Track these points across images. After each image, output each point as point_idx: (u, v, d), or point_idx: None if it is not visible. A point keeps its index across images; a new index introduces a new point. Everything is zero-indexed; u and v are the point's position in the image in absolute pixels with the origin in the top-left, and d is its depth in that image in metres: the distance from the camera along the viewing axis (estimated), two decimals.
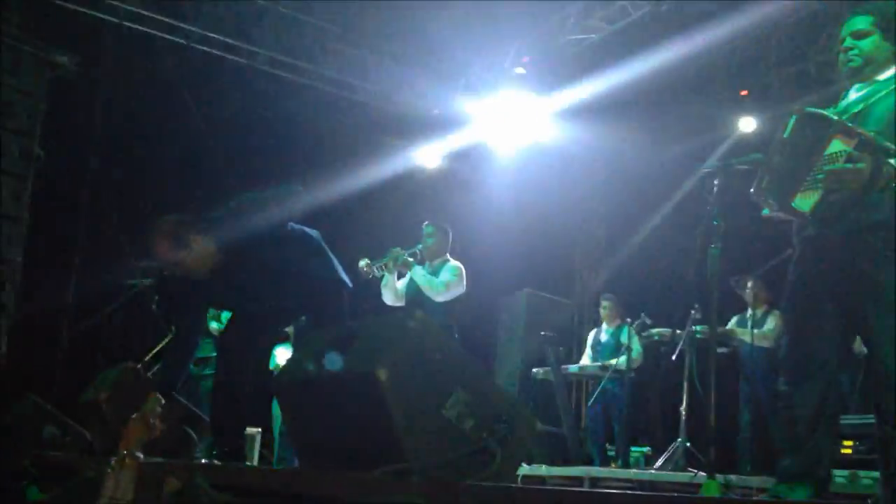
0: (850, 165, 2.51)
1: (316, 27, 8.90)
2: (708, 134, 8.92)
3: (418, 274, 5.30)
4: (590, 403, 7.54)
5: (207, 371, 6.75)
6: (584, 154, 10.33)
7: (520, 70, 8.62)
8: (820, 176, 2.56)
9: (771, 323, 6.63)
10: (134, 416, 3.01)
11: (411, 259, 5.37)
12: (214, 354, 6.73)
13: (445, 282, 5.28)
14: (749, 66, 8.23)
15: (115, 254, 7.43)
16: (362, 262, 5.40)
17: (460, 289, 5.37)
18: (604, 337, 7.80)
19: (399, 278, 5.47)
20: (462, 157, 10.11)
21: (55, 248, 7.51)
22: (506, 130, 9.47)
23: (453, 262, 5.46)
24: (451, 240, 5.58)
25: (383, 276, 5.38)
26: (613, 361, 7.18)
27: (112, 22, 7.62)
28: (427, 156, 9.86)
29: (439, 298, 5.22)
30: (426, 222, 5.62)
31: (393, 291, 5.38)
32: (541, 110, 8.98)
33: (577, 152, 10.86)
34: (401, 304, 5.40)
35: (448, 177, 10.12)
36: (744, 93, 8.15)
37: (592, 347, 7.89)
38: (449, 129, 9.78)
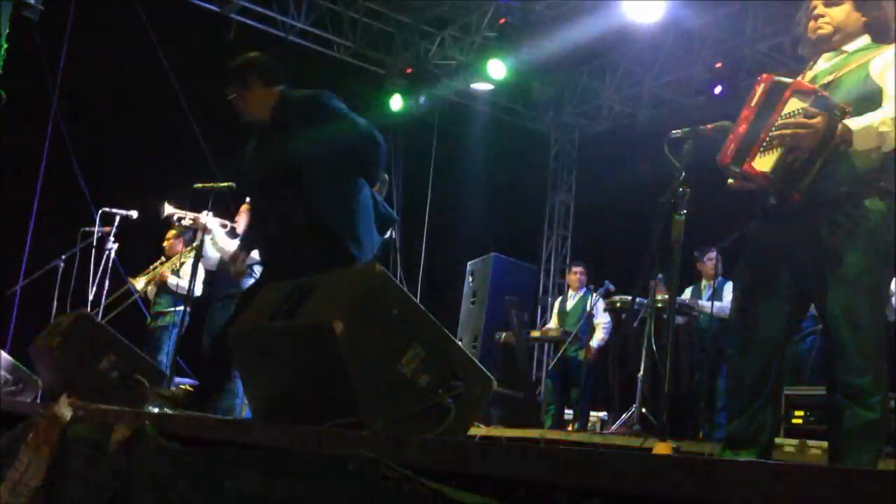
0: (803, 120, 2.51)
1: None
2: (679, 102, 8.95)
3: None
4: (550, 368, 7.61)
5: (162, 322, 6.69)
6: (552, 119, 10.29)
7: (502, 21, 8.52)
8: (775, 132, 2.55)
9: (728, 294, 6.72)
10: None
11: None
12: (172, 308, 6.69)
13: None
14: (725, 38, 8.24)
15: (74, 200, 7.30)
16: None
17: None
18: (570, 304, 7.86)
19: None
20: (439, 112, 10.04)
21: (12, 195, 7.36)
22: (482, 88, 9.41)
23: None
24: (383, 189, 5.46)
25: None
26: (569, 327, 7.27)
27: None
28: (396, 102, 9.72)
29: None
30: None
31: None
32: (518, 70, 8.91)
33: (550, 119, 10.82)
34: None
35: (423, 130, 10.04)
36: (718, 65, 8.15)
37: (559, 314, 7.95)
38: (424, 83, 9.69)
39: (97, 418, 2.74)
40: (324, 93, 3.77)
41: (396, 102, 9.70)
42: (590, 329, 7.42)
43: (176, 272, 6.72)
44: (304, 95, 3.80)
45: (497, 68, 8.77)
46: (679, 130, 3.14)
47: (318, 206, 3.56)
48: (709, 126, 3.04)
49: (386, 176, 3.97)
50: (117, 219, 6.55)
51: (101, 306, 6.13)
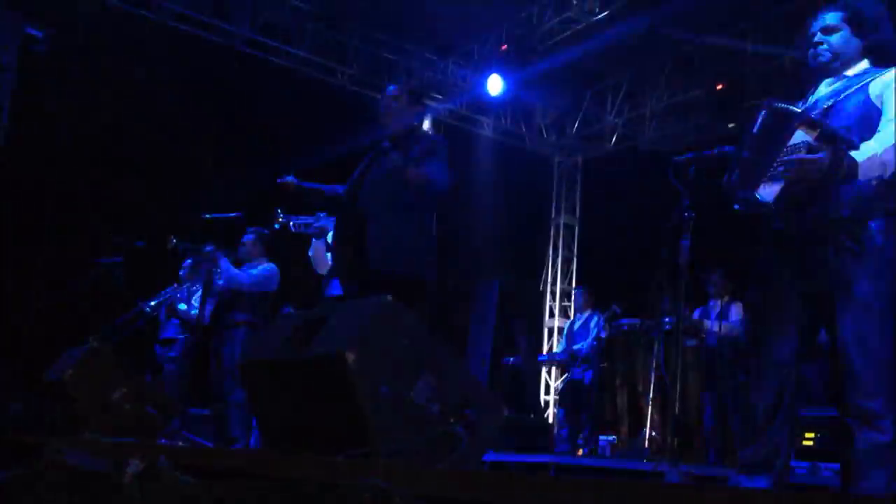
0: (809, 156, 2.53)
1: (294, 8, 8.84)
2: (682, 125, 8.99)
3: (331, 238, 5.22)
4: (558, 394, 7.60)
5: (172, 353, 6.71)
6: (556, 142, 10.34)
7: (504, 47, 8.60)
8: (780, 167, 2.58)
9: (736, 314, 6.73)
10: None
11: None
12: (181, 336, 6.71)
13: None
14: (725, 58, 8.30)
15: (83, 230, 7.34)
16: (279, 210, 5.32)
17: None
18: (577, 326, 7.89)
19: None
20: (442, 136, 10.10)
21: (21, 226, 7.41)
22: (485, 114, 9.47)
23: None
24: None
25: (312, 238, 5.28)
26: (576, 347, 7.27)
27: None
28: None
29: None
30: None
31: (319, 258, 5.28)
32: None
33: (553, 142, 10.88)
34: (325, 271, 5.33)
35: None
36: (720, 86, 8.21)
37: (567, 337, 7.97)
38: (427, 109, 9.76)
39: (110, 452, 2.75)
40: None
41: None
42: (597, 348, 7.42)
43: (185, 299, 6.76)
44: None
45: (495, 84, 8.81)
46: (682, 156, 3.17)
47: None
48: (711, 152, 3.07)
49: None
50: (124, 249, 6.58)
51: (112, 332, 6.15)
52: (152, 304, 6.74)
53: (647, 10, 7.60)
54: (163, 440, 3.67)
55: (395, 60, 9.67)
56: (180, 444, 3.15)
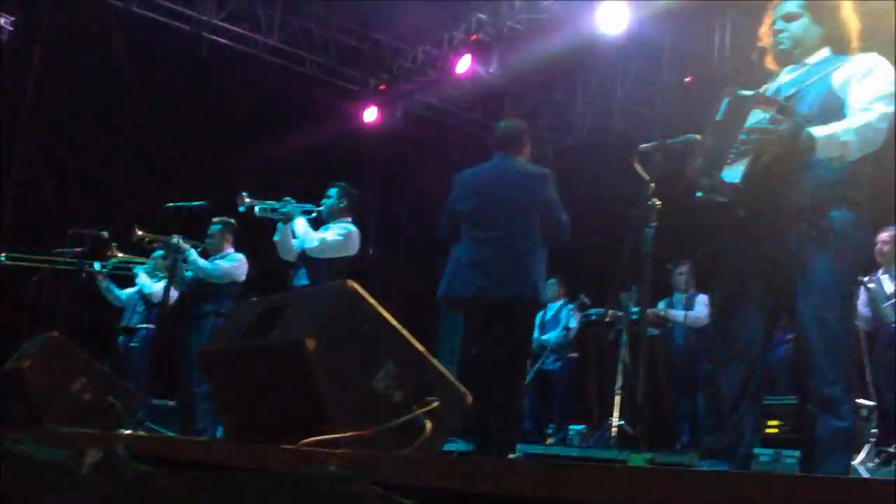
0: (769, 126, 2.55)
1: None
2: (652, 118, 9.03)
3: (298, 224, 5.20)
4: (528, 379, 7.62)
5: (134, 343, 6.61)
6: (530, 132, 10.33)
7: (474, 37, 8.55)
8: (742, 137, 2.59)
9: (700, 305, 6.78)
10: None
11: (302, 214, 5.25)
12: (144, 325, 6.62)
13: (322, 237, 5.17)
14: (694, 52, 8.34)
15: (45, 221, 7.22)
16: (244, 194, 5.29)
17: (342, 249, 5.21)
18: (548, 316, 7.91)
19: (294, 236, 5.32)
20: (413, 127, 10.07)
21: None
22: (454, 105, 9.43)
23: (343, 224, 5.31)
24: (352, 203, 5.44)
25: (278, 223, 5.25)
26: (545, 337, 7.29)
27: None
28: (370, 114, 9.72)
29: (314, 253, 5.12)
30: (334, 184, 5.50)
31: (286, 244, 5.24)
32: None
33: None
34: (291, 258, 5.29)
35: (398, 146, 10.05)
36: (688, 79, 8.25)
37: (538, 327, 8.00)
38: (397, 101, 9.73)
39: (69, 442, 2.70)
40: None
41: (371, 115, 9.70)
42: (566, 341, 7.45)
43: (151, 275, 6.67)
44: None
45: (464, 63, 8.73)
46: (648, 144, 3.18)
47: None
48: (677, 140, 3.08)
49: None
50: (88, 240, 6.48)
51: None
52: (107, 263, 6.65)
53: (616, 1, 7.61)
54: (124, 431, 3.62)
55: (364, 49, 9.61)
56: (142, 434, 3.11)
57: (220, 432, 5.81)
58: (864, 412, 4.81)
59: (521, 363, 4.02)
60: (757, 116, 2.58)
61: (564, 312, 7.58)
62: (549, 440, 7.36)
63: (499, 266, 3.99)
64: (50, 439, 2.77)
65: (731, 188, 2.63)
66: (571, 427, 7.70)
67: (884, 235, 5.89)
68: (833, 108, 2.64)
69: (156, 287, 6.54)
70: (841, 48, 2.79)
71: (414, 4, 8.51)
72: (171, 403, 6.18)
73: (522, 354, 4.10)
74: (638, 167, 3.16)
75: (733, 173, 2.61)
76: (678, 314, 6.77)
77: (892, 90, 2.61)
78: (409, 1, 8.45)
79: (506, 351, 4.05)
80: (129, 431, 3.23)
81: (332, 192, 5.39)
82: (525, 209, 4.04)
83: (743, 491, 1.19)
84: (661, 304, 7.10)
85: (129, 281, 6.94)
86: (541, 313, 8.16)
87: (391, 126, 9.86)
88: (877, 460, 4.59)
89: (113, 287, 6.88)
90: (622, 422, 5.86)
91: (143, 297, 6.70)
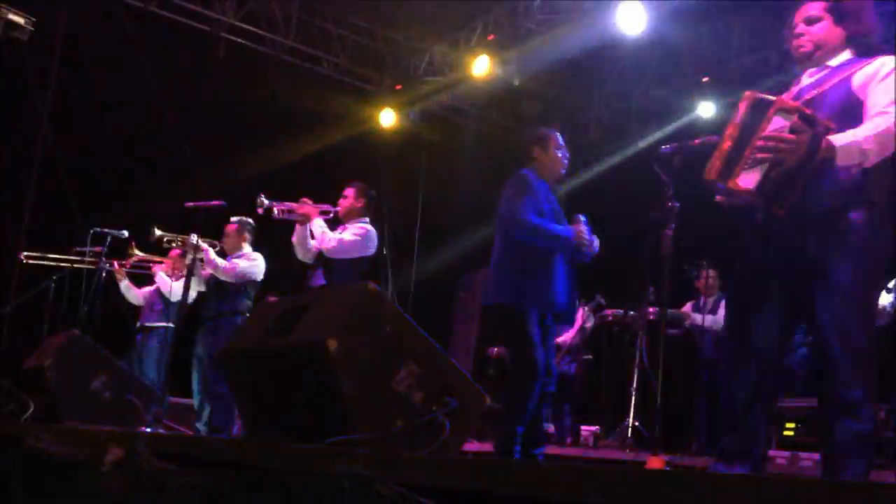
0: (787, 135, 2.54)
1: None
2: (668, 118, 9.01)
3: (315, 225, 5.22)
4: None
5: (152, 342, 6.66)
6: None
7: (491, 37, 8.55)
8: (760, 148, 2.58)
9: (722, 309, 6.73)
10: None
11: (319, 215, 5.27)
12: (162, 324, 6.66)
13: (338, 237, 5.19)
14: (711, 52, 8.32)
15: (65, 220, 7.28)
16: (262, 194, 5.31)
17: (359, 249, 5.21)
18: None
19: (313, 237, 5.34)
20: (428, 128, 10.08)
21: (2, 215, 7.35)
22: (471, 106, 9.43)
23: (361, 224, 5.32)
24: (370, 204, 5.45)
25: (296, 224, 5.28)
26: (560, 338, 7.30)
27: None
28: (387, 117, 9.74)
29: (332, 254, 5.14)
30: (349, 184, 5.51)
31: (303, 244, 5.26)
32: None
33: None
34: (309, 259, 5.32)
35: (413, 146, 10.06)
36: (705, 79, 8.22)
37: None
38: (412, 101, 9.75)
39: (90, 439, 2.73)
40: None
41: (388, 118, 9.71)
42: (581, 342, 7.45)
43: (170, 274, 6.72)
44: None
45: (481, 64, 8.72)
46: (668, 146, 3.17)
47: None
48: (696, 141, 3.07)
49: None
50: (108, 239, 6.53)
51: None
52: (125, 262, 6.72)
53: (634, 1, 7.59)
54: (144, 429, 3.65)
55: (381, 49, 9.63)
56: (161, 432, 3.13)
57: (235, 430, 5.85)
58: (882, 415, 4.78)
59: (516, 365, 4.04)
60: (779, 122, 2.57)
61: (579, 313, 7.58)
62: (564, 442, 7.34)
63: (490, 275, 4.28)
64: (70, 437, 2.80)
65: (746, 193, 2.62)
66: (585, 428, 7.69)
67: None
68: (854, 110, 2.63)
69: (174, 286, 6.59)
70: (863, 51, 2.77)
71: (430, 4, 8.51)
72: (190, 402, 6.22)
73: (515, 357, 4.11)
74: (657, 170, 3.16)
75: (750, 179, 2.60)
76: (697, 316, 6.74)
77: None
78: (425, 0, 8.46)
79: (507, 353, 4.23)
80: (148, 429, 3.26)
81: (349, 192, 5.41)
82: (500, 216, 4.26)
83: (762, 495, 1.19)
84: (688, 306, 7.04)
85: (148, 280, 6.99)
86: None
87: (407, 127, 9.88)
88: None
89: (132, 286, 6.94)
90: (637, 423, 5.85)
91: (162, 295, 6.74)
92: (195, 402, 5.95)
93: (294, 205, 5.31)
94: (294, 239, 5.31)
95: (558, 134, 4.48)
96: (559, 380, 7.45)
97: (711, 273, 6.87)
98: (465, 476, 1.70)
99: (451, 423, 2.40)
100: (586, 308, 7.47)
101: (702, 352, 6.73)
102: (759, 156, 2.58)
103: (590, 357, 7.73)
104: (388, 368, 2.36)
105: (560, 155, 4.40)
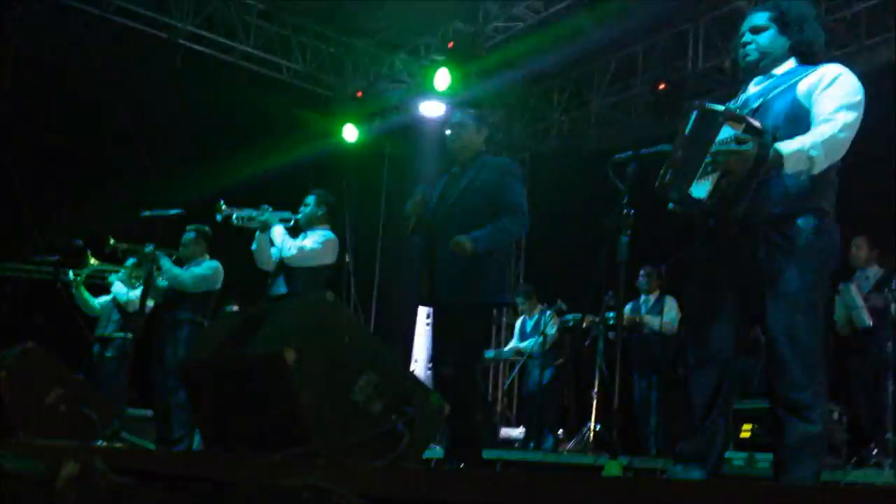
0: (737, 146, 2.60)
1: (238, 2, 8.72)
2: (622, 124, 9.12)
3: (276, 232, 5.19)
4: (505, 386, 7.67)
5: (108, 353, 6.56)
6: (502, 140, 10.39)
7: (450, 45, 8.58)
8: (709, 159, 2.64)
9: (670, 309, 6.84)
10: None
11: (279, 222, 5.23)
12: (119, 335, 6.56)
13: (299, 245, 5.18)
14: (667, 60, 8.44)
15: (18, 230, 7.16)
16: (222, 201, 5.26)
17: (320, 257, 5.17)
18: (528, 326, 7.96)
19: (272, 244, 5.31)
20: (389, 138, 10.07)
21: None
22: (433, 110, 9.42)
23: (322, 232, 5.27)
24: (330, 211, 5.43)
25: (256, 232, 5.24)
26: (523, 344, 7.35)
27: None
28: (350, 132, 9.73)
29: (292, 262, 5.11)
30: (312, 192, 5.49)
31: (263, 252, 5.23)
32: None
33: (499, 140, 10.90)
34: (269, 267, 5.28)
35: (375, 155, 10.05)
36: (661, 86, 8.33)
37: (518, 335, 8.06)
38: (374, 109, 9.74)
39: (45, 454, 2.69)
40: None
41: (350, 133, 9.71)
42: (544, 347, 7.49)
43: (127, 283, 6.61)
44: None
45: (442, 78, 8.76)
46: (621, 154, 3.22)
47: None
48: (648, 150, 3.12)
49: None
50: (62, 248, 6.42)
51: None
52: (81, 272, 6.60)
53: (592, 10, 7.69)
54: (100, 442, 3.60)
55: (342, 56, 9.61)
56: (118, 445, 3.09)
57: (197, 442, 5.78)
58: (835, 416, 4.90)
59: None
60: (728, 132, 2.63)
61: (543, 319, 7.64)
62: (526, 447, 7.39)
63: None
64: (25, 451, 2.76)
65: (698, 203, 2.68)
66: (546, 431, 7.75)
67: (858, 241, 6.02)
68: (799, 118, 2.70)
69: (131, 295, 6.50)
70: (807, 59, 2.85)
71: (390, 8, 8.52)
72: (148, 413, 6.14)
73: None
74: (612, 177, 3.20)
75: (702, 188, 2.66)
76: (653, 319, 6.84)
77: (855, 99, 2.67)
78: (387, 6, 8.46)
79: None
80: (105, 443, 3.21)
81: (310, 199, 5.38)
82: (515, 207, 4.18)
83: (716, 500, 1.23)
84: (628, 307, 7.17)
85: (103, 289, 6.88)
86: (520, 321, 8.21)
87: (369, 139, 9.89)
88: (849, 465, 4.67)
89: (87, 296, 6.83)
90: (598, 427, 5.91)
91: (118, 305, 6.65)
92: (156, 412, 5.88)
93: (254, 212, 5.28)
94: (254, 247, 5.28)
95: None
96: (534, 386, 7.52)
97: (652, 272, 7.01)
98: (424, 486, 1.71)
99: (410, 432, 2.41)
100: (547, 313, 7.53)
101: (657, 354, 6.82)
102: (710, 166, 2.64)
103: (562, 362, 7.78)
104: (346, 378, 2.36)
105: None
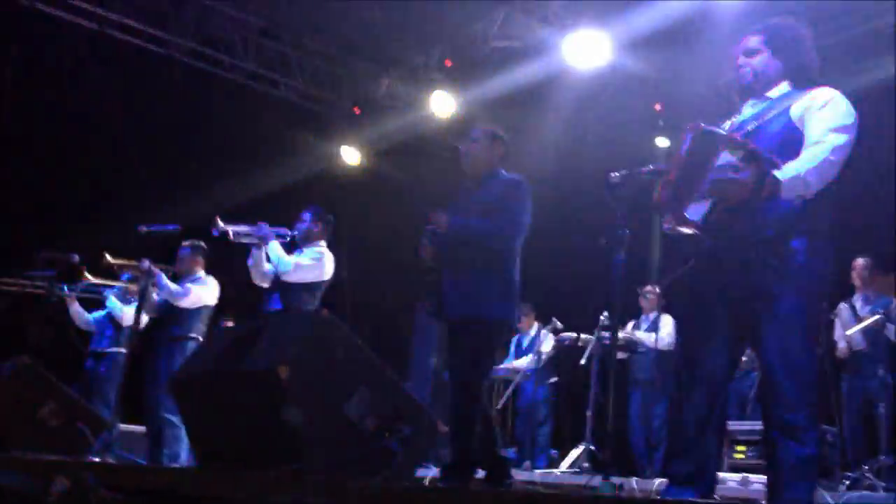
0: (734, 175, 2.61)
1: (237, 19, 8.77)
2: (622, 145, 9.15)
3: (272, 248, 5.20)
4: (500, 406, 7.65)
5: (102, 368, 6.53)
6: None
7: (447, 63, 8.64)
8: (707, 186, 2.65)
9: (666, 326, 6.85)
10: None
11: (276, 238, 5.24)
12: (113, 350, 6.53)
13: (295, 261, 5.15)
14: (665, 80, 8.48)
15: (14, 245, 7.15)
16: (218, 217, 5.26)
17: (316, 273, 5.18)
18: (525, 343, 7.95)
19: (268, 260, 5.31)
20: (385, 156, 10.10)
21: None
22: (433, 130, 9.46)
23: (318, 248, 5.27)
24: (328, 229, 5.44)
25: (252, 247, 5.24)
26: (517, 363, 7.34)
27: (21, 3, 7.35)
28: (349, 154, 9.79)
29: (288, 278, 5.12)
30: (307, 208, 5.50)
31: (259, 268, 5.24)
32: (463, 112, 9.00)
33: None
34: (265, 283, 5.29)
35: (371, 176, 10.08)
36: (658, 107, 8.38)
37: (514, 353, 8.05)
38: (372, 127, 9.78)
39: (36, 469, 2.68)
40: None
41: (351, 156, 9.76)
42: (538, 365, 7.48)
43: (120, 297, 6.58)
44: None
45: (441, 101, 8.80)
46: (616, 174, 3.24)
47: None
48: (644, 169, 3.14)
49: None
50: (58, 263, 6.41)
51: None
52: (76, 287, 6.57)
53: (592, 30, 7.73)
54: (92, 458, 3.58)
55: (340, 73, 9.66)
56: (110, 461, 3.07)
57: (189, 458, 5.75)
58: (829, 438, 4.89)
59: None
60: (726, 158, 2.64)
61: (539, 338, 7.64)
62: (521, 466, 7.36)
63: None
64: (16, 466, 2.75)
65: (692, 225, 2.69)
66: (539, 450, 7.72)
67: (858, 262, 6.04)
68: (793, 141, 2.71)
69: (126, 311, 6.48)
70: (800, 82, 2.87)
71: (389, 27, 8.57)
72: (140, 429, 6.10)
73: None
74: (607, 196, 3.22)
75: (698, 209, 2.67)
76: (646, 336, 6.86)
77: (846, 122, 2.69)
78: (385, 21, 8.51)
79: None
80: (97, 458, 3.20)
81: (306, 216, 5.39)
82: (522, 225, 4.18)
83: None
84: (629, 325, 7.19)
85: (98, 304, 6.87)
86: (515, 339, 8.20)
87: (367, 158, 9.94)
88: (842, 487, 4.65)
89: (82, 311, 6.81)
90: (593, 447, 5.88)
91: (113, 320, 6.62)
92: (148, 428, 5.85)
93: (250, 228, 5.29)
94: (250, 262, 5.28)
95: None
96: (529, 403, 7.50)
97: (652, 290, 7.04)
98: (414, 503, 1.71)
99: (403, 449, 2.40)
100: (543, 331, 7.52)
101: (653, 374, 6.82)
102: (707, 192, 2.66)
103: (556, 380, 7.77)
104: (339, 395, 2.36)
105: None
